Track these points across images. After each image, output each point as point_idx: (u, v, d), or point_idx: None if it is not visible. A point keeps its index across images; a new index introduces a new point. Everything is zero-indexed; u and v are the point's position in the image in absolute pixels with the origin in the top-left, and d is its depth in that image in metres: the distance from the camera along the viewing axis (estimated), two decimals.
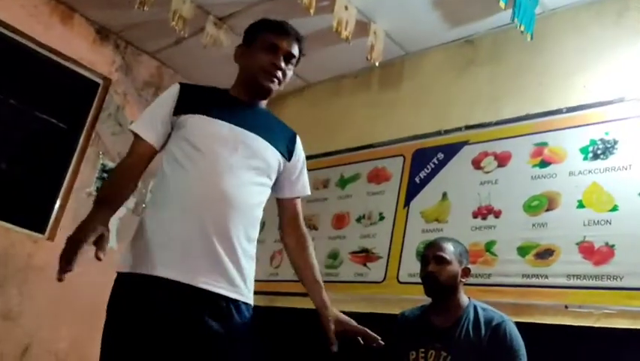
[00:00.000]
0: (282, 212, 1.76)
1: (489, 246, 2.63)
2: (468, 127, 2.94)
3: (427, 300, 2.15)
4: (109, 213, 1.51)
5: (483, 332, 1.91)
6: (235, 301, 1.51)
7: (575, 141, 2.52)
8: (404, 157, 3.17)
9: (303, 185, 1.78)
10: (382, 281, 2.97)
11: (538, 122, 2.68)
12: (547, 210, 2.50)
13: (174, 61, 3.95)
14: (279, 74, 1.64)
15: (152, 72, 3.95)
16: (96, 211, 1.50)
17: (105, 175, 3.60)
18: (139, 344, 1.42)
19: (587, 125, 2.52)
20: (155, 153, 1.64)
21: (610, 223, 2.30)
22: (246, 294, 1.55)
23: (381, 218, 3.13)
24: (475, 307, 2.00)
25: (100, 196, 1.59)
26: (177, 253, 1.47)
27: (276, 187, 1.72)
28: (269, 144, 1.65)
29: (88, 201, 3.53)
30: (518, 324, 2.01)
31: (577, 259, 2.33)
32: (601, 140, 2.45)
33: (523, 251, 2.51)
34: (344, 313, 2.71)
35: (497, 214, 2.67)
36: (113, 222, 3.57)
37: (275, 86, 1.65)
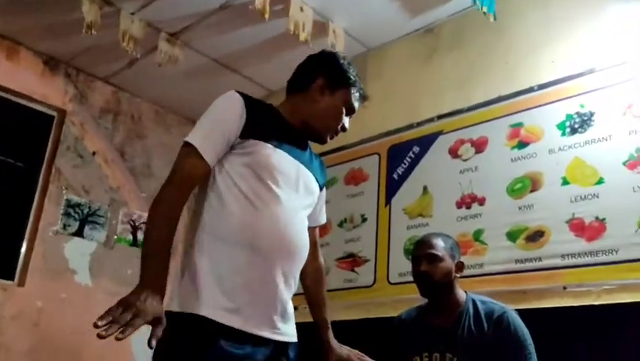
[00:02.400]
0: None
1: (477, 235, 2.56)
2: (440, 116, 2.87)
3: (421, 299, 2.06)
4: (165, 275, 1.29)
5: (485, 326, 1.83)
6: (290, 344, 1.50)
7: (551, 118, 2.47)
8: (379, 155, 3.08)
9: (323, 213, 1.75)
10: (373, 285, 2.87)
11: (511, 103, 2.63)
12: (532, 191, 2.44)
13: (130, 84, 3.81)
14: (339, 134, 1.64)
15: (107, 98, 3.79)
16: (150, 284, 1.25)
17: (71, 211, 3.44)
18: None
19: (561, 100, 2.46)
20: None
21: (597, 197, 2.25)
22: (294, 333, 1.52)
23: (364, 220, 3.04)
24: (473, 302, 1.92)
25: (149, 255, 1.30)
26: (255, 304, 1.39)
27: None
28: (315, 179, 1.60)
29: (56, 240, 3.37)
30: (518, 312, 1.94)
31: (569, 238, 2.27)
32: (577, 113, 2.40)
33: (512, 236, 2.44)
34: (335, 322, 2.62)
35: (481, 202, 2.60)
36: (85, 258, 3.45)
37: (327, 141, 1.64)
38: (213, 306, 1.34)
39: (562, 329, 2.17)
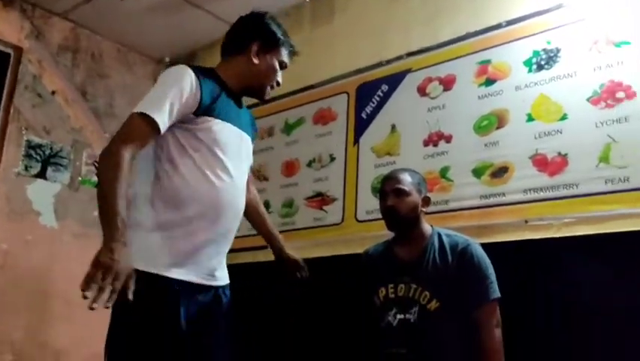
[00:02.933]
0: None
1: (444, 172, 2.59)
2: (409, 54, 2.85)
3: (388, 235, 2.10)
4: (125, 226, 1.39)
5: (450, 258, 1.88)
6: (226, 285, 1.74)
7: (518, 55, 2.47)
8: (348, 94, 3.06)
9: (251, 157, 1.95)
10: (341, 223, 2.90)
11: (479, 40, 2.61)
12: (498, 128, 2.47)
13: (89, 20, 3.64)
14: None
15: (66, 35, 3.63)
16: (120, 238, 1.34)
17: (33, 152, 3.35)
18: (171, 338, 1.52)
19: (528, 36, 2.46)
20: None
21: (561, 133, 2.29)
22: (227, 276, 1.76)
23: (332, 159, 3.04)
24: (439, 235, 1.96)
25: (114, 211, 1.38)
26: (202, 260, 1.61)
27: None
28: (251, 140, 1.83)
29: (18, 182, 3.29)
30: (482, 245, 1.98)
31: (532, 173, 2.32)
32: (544, 50, 2.40)
33: (478, 172, 2.48)
34: (305, 259, 2.73)
35: (448, 139, 2.62)
36: (49, 200, 3.39)
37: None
38: (165, 264, 1.52)
39: (522, 261, 2.25)
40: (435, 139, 2.66)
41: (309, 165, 3.12)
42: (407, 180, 1.99)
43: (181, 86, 1.55)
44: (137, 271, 1.38)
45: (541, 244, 2.23)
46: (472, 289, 1.83)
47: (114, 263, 1.27)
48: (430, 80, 2.74)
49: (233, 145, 1.68)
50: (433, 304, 1.82)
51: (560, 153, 2.27)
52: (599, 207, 2.13)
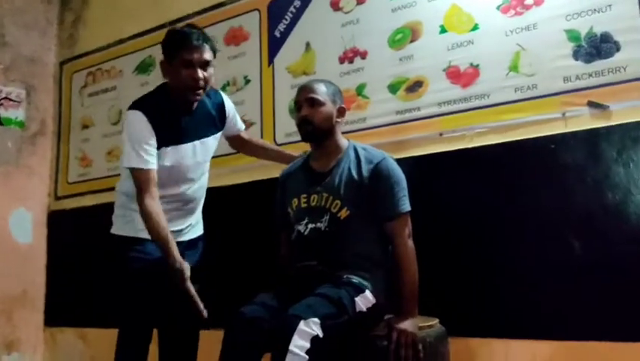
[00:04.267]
0: (237, 143, 2.30)
1: (360, 89, 2.55)
2: None
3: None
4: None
5: (364, 171, 1.86)
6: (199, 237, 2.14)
7: None
8: (259, 11, 2.91)
9: (240, 123, 2.23)
10: None
11: None
12: (412, 41, 2.44)
13: None
14: (201, 83, 1.88)
15: None
16: (176, 256, 1.78)
17: None
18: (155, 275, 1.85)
19: None
20: None
21: (472, 43, 2.29)
22: (199, 231, 2.14)
23: (247, 82, 2.93)
24: (355, 149, 1.93)
25: (166, 245, 1.79)
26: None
27: (225, 134, 2.18)
28: (209, 137, 2.03)
29: None
30: (398, 160, 1.97)
31: (445, 86, 2.32)
32: None
33: (393, 88, 2.46)
34: (224, 187, 2.68)
35: (363, 55, 2.57)
36: None
37: (201, 94, 1.92)
38: (142, 231, 1.88)
39: (438, 173, 2.29)
40: (350, 56, 2.60)
41: (224, 88, 2.99)
42: (321, 89, 1.93)
43: (142, 130, 1.85)
44: (123, 236, 1.96)
45: (456, 155, 2.26)
46: (385, 202, 1.82)
47: (186, 280, 1.77)
48: None
49: (186, 158, 1.96)
50: (344, 213, 1.81)
51: (472, 64, 2.27)
52: (509, 116, 2.17)
